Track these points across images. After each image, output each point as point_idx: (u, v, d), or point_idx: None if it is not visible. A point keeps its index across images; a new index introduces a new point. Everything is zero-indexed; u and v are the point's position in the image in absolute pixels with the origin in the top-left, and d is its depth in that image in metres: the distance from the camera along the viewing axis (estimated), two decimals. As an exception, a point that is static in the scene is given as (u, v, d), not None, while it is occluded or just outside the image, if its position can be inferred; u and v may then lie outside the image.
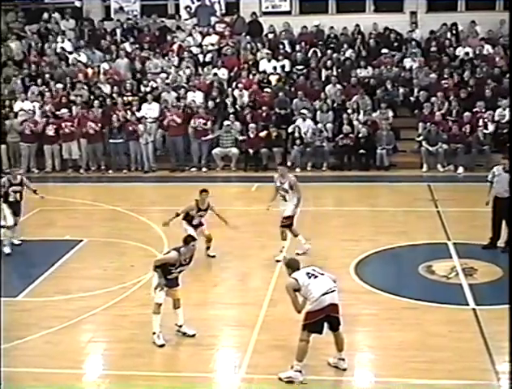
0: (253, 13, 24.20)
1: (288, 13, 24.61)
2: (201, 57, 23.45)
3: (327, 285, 8.71)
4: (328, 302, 8.61)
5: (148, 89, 21.83)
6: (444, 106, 20.30)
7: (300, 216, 13.73)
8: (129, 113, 20.75)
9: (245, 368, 9.12)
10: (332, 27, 23.65)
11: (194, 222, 12.60)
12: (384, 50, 22.55)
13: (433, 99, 20.33)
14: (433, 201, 16.61)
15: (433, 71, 21.50)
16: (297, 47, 22.91)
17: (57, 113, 20.94)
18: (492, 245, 13.04)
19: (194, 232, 12.17)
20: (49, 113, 20.91)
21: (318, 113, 20.68)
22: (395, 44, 23.06)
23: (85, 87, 22.07)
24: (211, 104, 21.08)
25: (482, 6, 23.62)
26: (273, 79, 22.09)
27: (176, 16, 25.00)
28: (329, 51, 22.69)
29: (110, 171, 20.65)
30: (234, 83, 21.97)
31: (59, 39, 24.24)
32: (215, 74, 22.14)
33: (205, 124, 20.33)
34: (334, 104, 20.95)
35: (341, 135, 20.00)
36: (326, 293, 8.61)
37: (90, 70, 22.96)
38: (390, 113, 20.48)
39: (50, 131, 20.52)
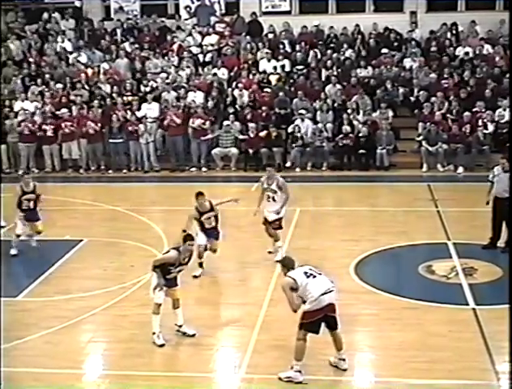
0: (253, 13, 24.20)
1: (288, 13, 24.60)
2: (201, 57, 23.44)
3: (326, 285, 8.71)
4: (327, 302, 8.61)
5: (148, 89, 21.83)
6: (444, 106, 20.28)
7: (301, 216, 13.72)
8: (129, 112, 20.74)
9: (245, 368, 9.12)
10: (332, 27, 23.64)
11: (207, 226, 12.08)
12: (384, 50, 22.53)
13: (433, 99, 20.32)
14: (432, 201, 16.59)
15: (433, 71, 21.48)
16: (297, 47, 22.89)
17: (57, 112, 20.94)
18: (492, 245, 13.04)
19: (204, 237, 12.02)
20: (49, 113, 20.89)
21: (318, 113, 20.68)
22: (395, 44, 23.04)
23: (85, 87, 22.08)
24: (210, 104, 21.09)
25: (482, 5, 23.61)
26: (273, 78, 22.07)
27: (176, 16, 24.98)
28: (329, 51, 22.68)
29: (110, 171, 20.64)
30: (234, 83, 21.96)
31: (59, 39, 24.23)
32: (215, 74, 22.13)
33: (203, 124, 20.33)
34: (335, 104, 20.93)
35: (341, 135, 19.99)
36: (325, 293, 8.61)
37: (90, 70, 22.92)
38: (390, 113, 20.48)
39: (49, 131, 20.50)
